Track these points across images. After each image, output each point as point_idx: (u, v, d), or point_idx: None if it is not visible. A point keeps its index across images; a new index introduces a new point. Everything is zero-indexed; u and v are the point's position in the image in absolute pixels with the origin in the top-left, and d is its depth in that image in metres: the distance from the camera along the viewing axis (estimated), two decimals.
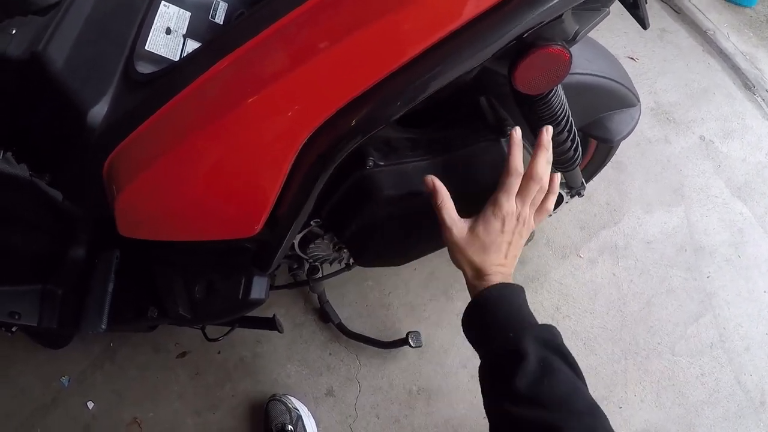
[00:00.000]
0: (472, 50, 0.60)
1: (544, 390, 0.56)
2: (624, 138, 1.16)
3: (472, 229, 0.71)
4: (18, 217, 1.02)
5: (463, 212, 0.73)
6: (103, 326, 1.02)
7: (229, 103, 0.62)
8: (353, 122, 0.61)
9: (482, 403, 0.65)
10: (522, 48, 0.66)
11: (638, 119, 1.14)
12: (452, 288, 1.46)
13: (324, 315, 1.37)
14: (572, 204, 1.48)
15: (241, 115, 0.62)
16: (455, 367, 1.37)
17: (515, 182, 0.71)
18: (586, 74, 0.98)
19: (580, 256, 1.55)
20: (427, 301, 1.44)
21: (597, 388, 1.38)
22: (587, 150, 1.29)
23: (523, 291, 0.70)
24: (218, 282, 0.92)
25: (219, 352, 1.35)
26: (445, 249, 0.76)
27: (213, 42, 0.69)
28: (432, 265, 1.47)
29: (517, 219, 0.71)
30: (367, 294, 1.44)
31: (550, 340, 0.62)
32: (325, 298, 1.36)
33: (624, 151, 1.71)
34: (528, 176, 0.72)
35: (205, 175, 0.65)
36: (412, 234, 0.90)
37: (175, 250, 0.92)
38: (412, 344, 1.31)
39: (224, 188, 0.67)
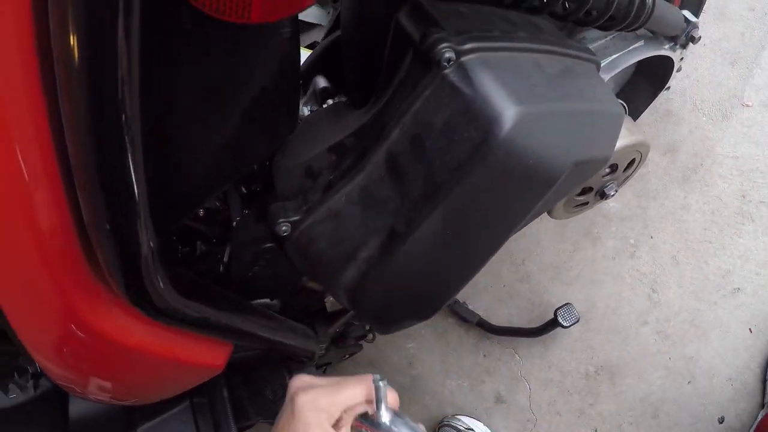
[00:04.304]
0: None
1: None
2: None
3: None
4: None
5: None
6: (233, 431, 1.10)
7: None
8: None
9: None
10: None
11: None
12: (595, 225, 1.13)
13: (460, 318, 1.21)
14: (703, 36, 0.96)
15: None
16: (633, 326, 1.07)
17: None
18: None
19: (747, 105, 1.12)
20: (569, 254, 1.15)
21: None
22: None
23: None
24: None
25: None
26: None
27: None
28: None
29: None
30: (499, 271, 1.21)
31: None
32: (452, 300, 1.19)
33: None
34: None
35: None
36: (417, 274, 0.66)
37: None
38: (564, 324, 1.05)
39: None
